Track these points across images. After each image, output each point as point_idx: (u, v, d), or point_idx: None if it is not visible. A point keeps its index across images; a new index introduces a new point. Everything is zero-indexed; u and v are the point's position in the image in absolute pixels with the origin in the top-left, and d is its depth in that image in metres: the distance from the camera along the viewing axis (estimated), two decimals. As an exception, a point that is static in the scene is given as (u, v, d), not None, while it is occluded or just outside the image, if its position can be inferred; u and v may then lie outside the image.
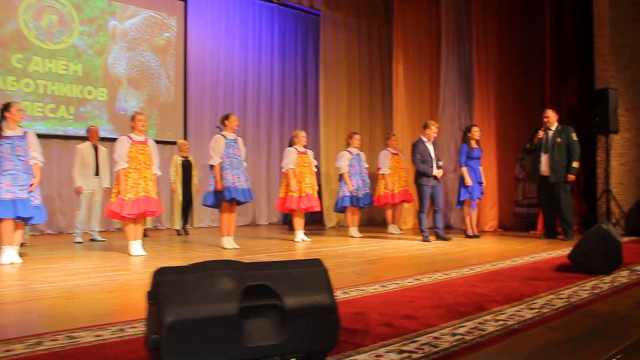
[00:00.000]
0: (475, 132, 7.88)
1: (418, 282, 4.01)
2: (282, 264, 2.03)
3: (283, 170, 7.72)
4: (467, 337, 2.47)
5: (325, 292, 1.95)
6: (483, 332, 2.56)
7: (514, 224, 9.50)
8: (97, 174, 7.74)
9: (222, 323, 1.81)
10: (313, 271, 1.99)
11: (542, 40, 9.22)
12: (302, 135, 7.77)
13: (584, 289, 3.70)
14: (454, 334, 2.52)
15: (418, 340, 2.42)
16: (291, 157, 7.59)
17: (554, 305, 3.16)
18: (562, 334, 2.62)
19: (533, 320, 2.82)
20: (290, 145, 7.76)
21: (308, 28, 12.78)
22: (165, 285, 1.87)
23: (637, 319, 2.96)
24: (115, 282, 4.32)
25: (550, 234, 7.62)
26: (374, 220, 11.16)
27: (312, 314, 1.91)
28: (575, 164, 7.30)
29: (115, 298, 3.70)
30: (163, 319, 1.77)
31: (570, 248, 4.61)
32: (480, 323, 2.74)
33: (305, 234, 7.81)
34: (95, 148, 7.81)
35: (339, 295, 3.44)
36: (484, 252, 6.27)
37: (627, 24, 8.16)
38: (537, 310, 3.04)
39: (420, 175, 7.45)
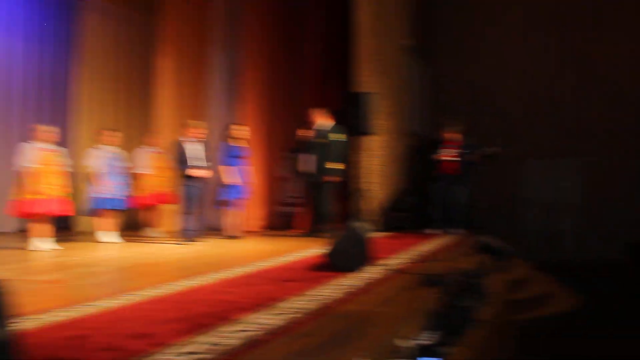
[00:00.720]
0: (237, 130, 7.67)
1: (163, 291, 3.54)
2: None
3: (15, 169, 6.68)
4: (205, 356, 2.12)
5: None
6: (224, 348, 2.23)
7: (279, 223, 9.55)
8: None
9: None
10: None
11: (310, 44, 9.41)
12: (43, 130, 6.80)
13: (336, 288, 3.61)
14: (189, 353, 2.15)
15: (141, 367, 2.01)
16: (26, 154, 6.60)
17: (305, 308, 2.98)
18: (313, 340, 2.43)
19: (283, 327, 2.59)
20: (28, 141, 6.76)
21: (70, 15, 11.35)
22: None
23: (382, 317, 2.93)
24: None
25: (311, 232, 7.74)
26: (134, 224, 10.34)
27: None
28: (332, 165, 7.49)
29: None
30: None
31: (327, 247, 4.59)
32: (222, 337, 2.39)
33: (56, 241, 6.83)
34: None
35: (61, 314, 2.84)
36: (245, 253, 6.11)
37: (385, 32, 8.67)
38: (288, 315, 2.82)
39: (182, 176, 7.09)
